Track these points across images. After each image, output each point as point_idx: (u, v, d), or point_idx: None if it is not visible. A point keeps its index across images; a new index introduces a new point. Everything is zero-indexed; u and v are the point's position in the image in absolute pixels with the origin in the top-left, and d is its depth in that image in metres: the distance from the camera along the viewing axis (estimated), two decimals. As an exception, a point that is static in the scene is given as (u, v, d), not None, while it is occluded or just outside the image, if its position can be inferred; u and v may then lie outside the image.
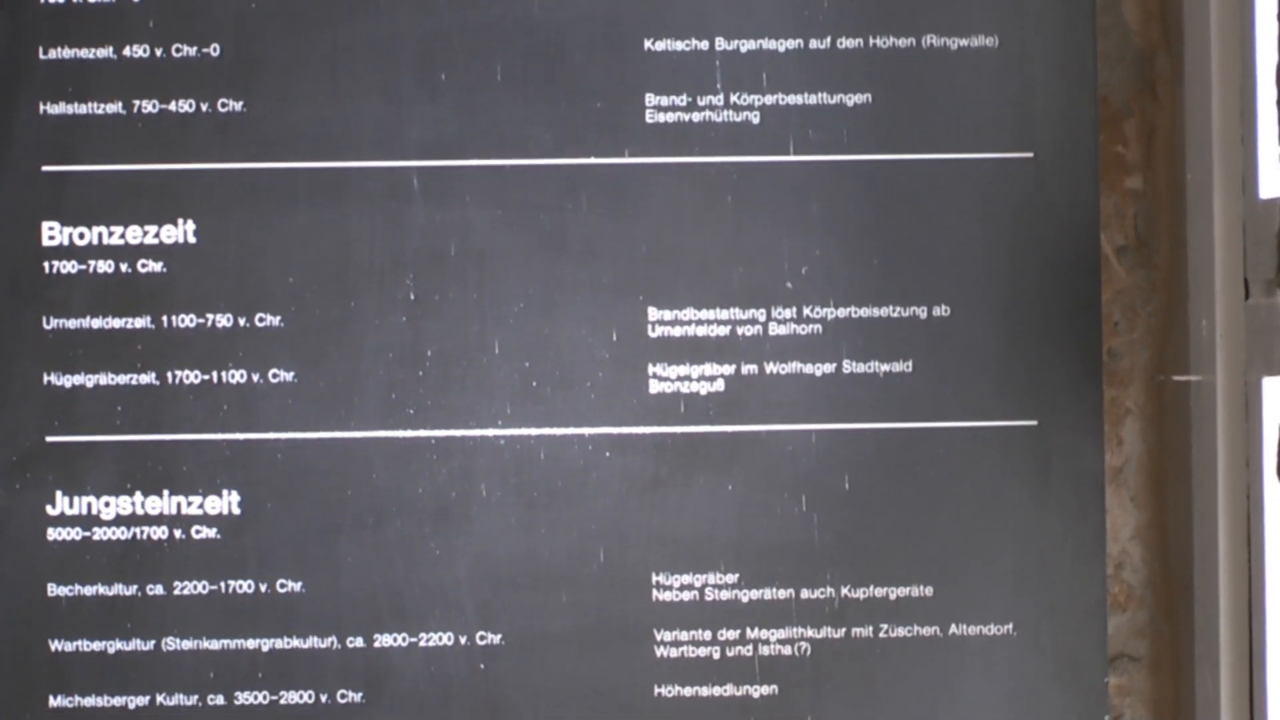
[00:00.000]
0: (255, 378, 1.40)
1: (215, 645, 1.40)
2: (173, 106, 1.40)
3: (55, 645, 1.40)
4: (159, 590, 1.40)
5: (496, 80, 1.40)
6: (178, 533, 1.40)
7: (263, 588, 1.40)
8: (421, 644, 1.40)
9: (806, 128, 1.40)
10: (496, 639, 1.41)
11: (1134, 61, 1.44)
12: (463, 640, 1.40)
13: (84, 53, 1.40)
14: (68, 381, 1.40)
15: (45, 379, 1.40)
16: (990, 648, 1.41)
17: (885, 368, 1.41)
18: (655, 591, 1.41)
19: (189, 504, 1.40)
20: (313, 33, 1.40)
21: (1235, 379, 1.38)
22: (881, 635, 1.41)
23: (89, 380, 1.40)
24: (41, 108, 1.39)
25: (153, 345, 1.40)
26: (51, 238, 1.40)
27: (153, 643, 1.40)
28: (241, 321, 1.40)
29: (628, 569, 1.41)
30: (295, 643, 1.40)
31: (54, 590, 1.40)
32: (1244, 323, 1.37)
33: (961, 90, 1.41)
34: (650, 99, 1.41)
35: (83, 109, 1.40)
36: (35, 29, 1.39)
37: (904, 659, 1.41)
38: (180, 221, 1.40)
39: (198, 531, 1.40)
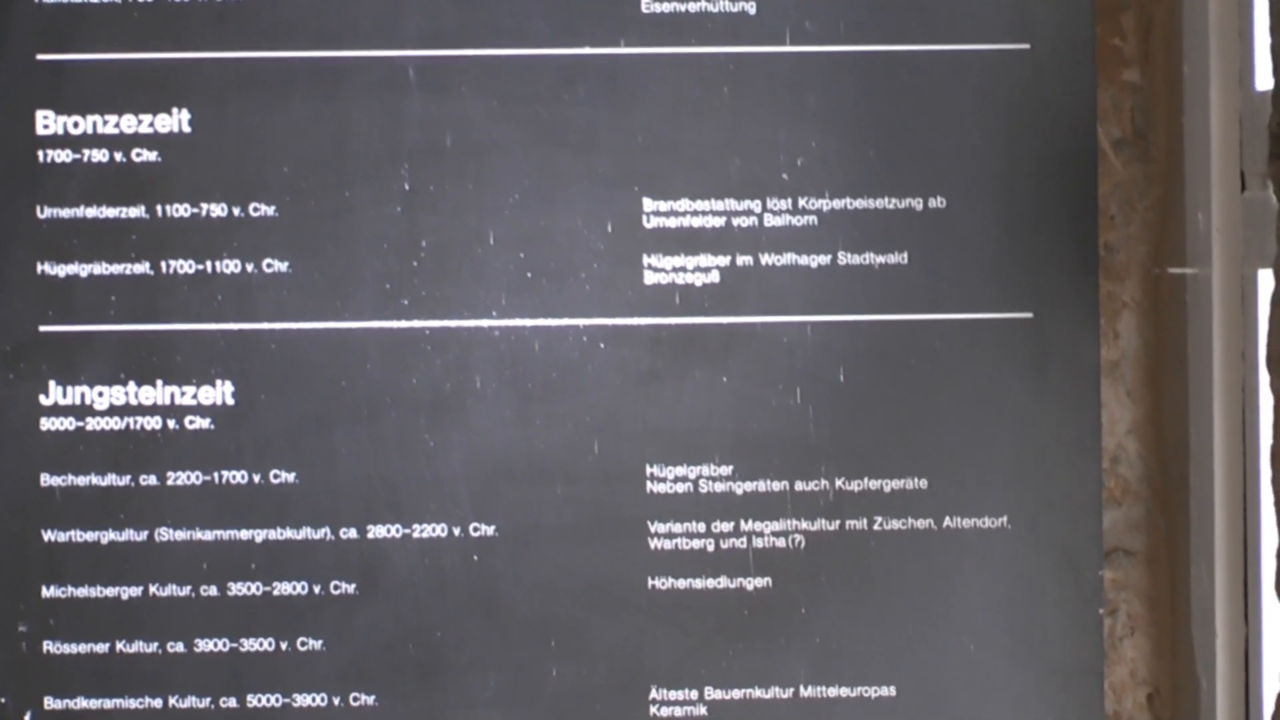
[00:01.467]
0: (250, 268, 1.40)
1: (209, 536, 1.40)
2: (168, -5, 1.39)
3: (48, 536, 1.40)
4: (152, 481, 1.40)
5: (493, -30, 1.40)
6: (171, 423, 1.40)
7: (256, 478, 1.40)
8: (415, 536, 1.40)
9: (803, 19, 1.40)
10: (490, 531, 1.40)
11: (1132, -43, 1.44)
12: (457, 532, 1.40)
13: (79, -60, 1.39)
14: (62, 271, 1.39)
15: (39, 268, 1.39)
16: (985, 541, 1.41)
17: (881, 259, 1.40)
18: (650, 484, 1.40)
19: (183, 394, 1.40)
20: (308, -78, 1.40)
21: (1231, 272, 1.37)
22: (876, 528, 1.41)
23: (83, 270, 1.39)
24: (36, -5, 1.39)
25: (147, 235, 1.40)
26: (46, 127, 1.39)
27: (146, 533, 1.40)
28: (236, 212, 1.40)
29: (622, 461, 1.40)
30: (289, 534, 1.40)
31: (47, 480, 1.40)
32: (1240, 216, 1.37)
33: (958, -18, 1.41)
34: (647, -11, 1.41)
35: (78, -3, 1.39)
36: (30, -84, 1.39)
37: (898, 552, 1.41)
38: (175, 111, 1.40)
39: (191, 422, 1.40)
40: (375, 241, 1.40)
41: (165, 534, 1.40)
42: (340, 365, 1.40)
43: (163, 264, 1.40)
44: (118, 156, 1.39)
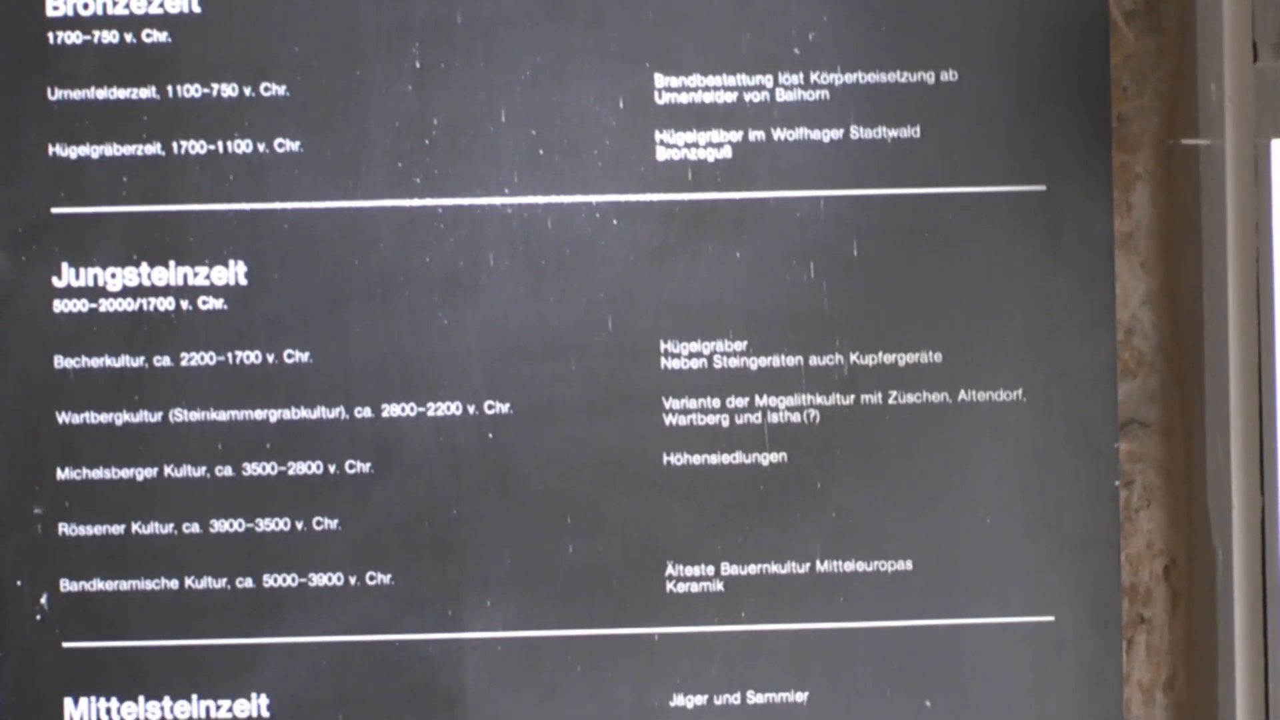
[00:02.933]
0: (261, 147, 1.40)
1: (223, 416, 1.40)
2: (176, -127, 1.39)
3: (62, 418, 1.40)
4: (166, 362, 1.40)
5: None
6: (184, 304, 1.40)
7: (270, 358, 1.40)
8: (430, 414, 1.40)
9: (813, -108, 1.40)
10: (505, 408, 1.40)
11: None
12: (471, 410, 1.40)
13: None
14: (73, 153, 1.39)
15: (50, 150, 1.39)
16: (1000, 413, 1.41)
17: (893, 133, 1.40)
18: (664, 360, 1.40)
19: (195, 275, 1.40)
20: None
21: (1244, 142, 1.37)
22: (891, 402, 1.41)
23: (94, 151, 1.39)
24: (44, -125, 1.39)
25: (158, 116, 1.39)
26: (55, 8, 1.39)
27: (160, 414, 1.40)
28: (247, 91, 1.39)
29: (636, 337, 1.40)
30: (303, 413, 1.40)
31: (60, 363, 1.40)
32: (1253, 86, 1.36)
33: None
34: None
35: (86, -124, 1.39)
36: None
37: (913, 425, 1.41)
38: (185, -10, 1.40)
39: (204, 302, 1.40)
40: (387, 120, 1.39)
41: (179, 415, 1.40)
42: (353, 244, 1.40)
43: (174, 144, 1.39)
44: (128, 37, 1.39)
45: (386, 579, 1.40)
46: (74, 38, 1.39)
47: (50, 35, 1.39)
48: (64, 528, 1.40)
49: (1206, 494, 1.41)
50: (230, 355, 1.40)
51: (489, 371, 1.40)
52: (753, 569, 1.40)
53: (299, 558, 1.40)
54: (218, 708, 1.40)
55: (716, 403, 1.40)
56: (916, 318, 1.40)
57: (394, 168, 1.40)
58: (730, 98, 1.40)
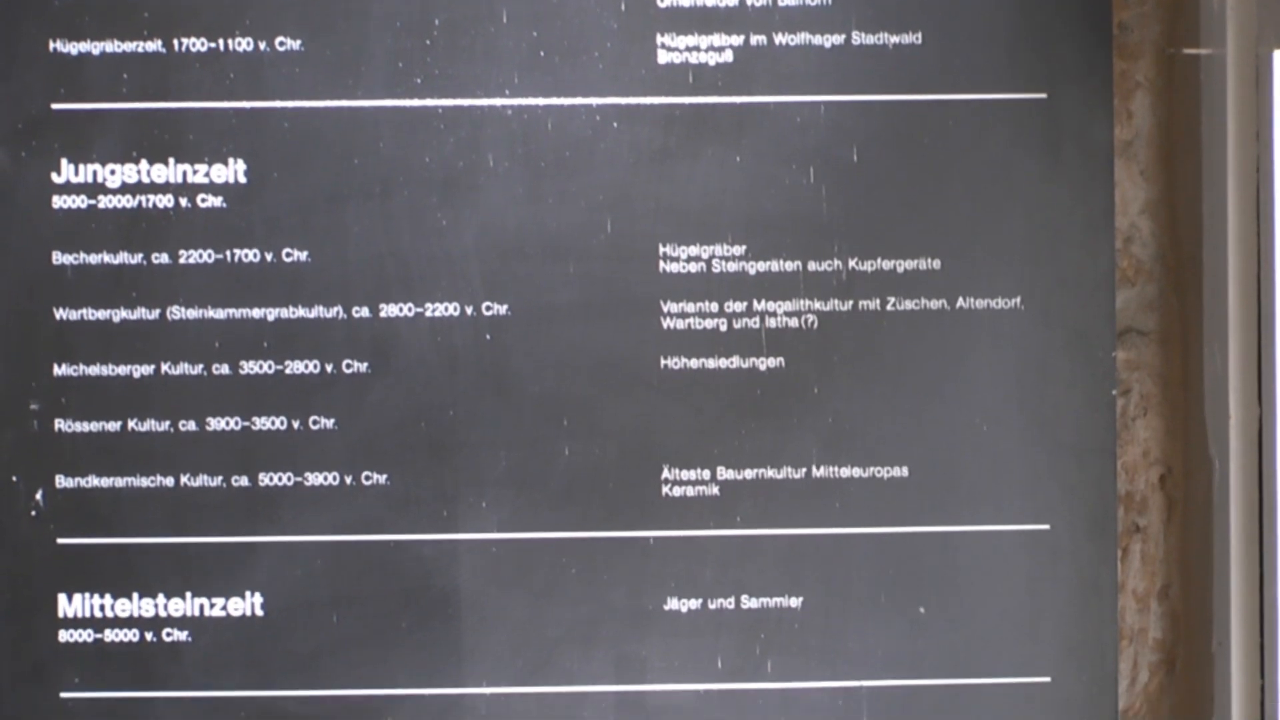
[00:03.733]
0: (262, 46, 1.39)
1: (220, 314, 1.40)
2: None
3: (60, 314, 1.40)
4: (164, 259, 1.40)
5: None
6: (183, 201, 1.40)
7: (268, 257, 1.40)
8: (427, 314, 1.40)
9: None
10: (503, 310, 1.40)
11: None
12: (469, 311, 1.40)
13: None
14: (74, 49, 1.39)
15: (51, 46, 1.39)
16: (998, 321, 1.40)
17: (894, 39, 1.40)
18: (662, 263, 1.40)
19: (195, 172, 1.40)
20: None
21: (1246, 51, 1.37)
22: (889, 308, 1.40)
23: (95, 48, 1.39)
24: None
25: (159, 12, 1.39)
26: (57, -96, 1.39)
27: (158, 312, 1.40)
28: (248, -11, 1.40)
29: (635, 240, 1.40)
30: (301, 312, 1.40)
31: (59, 259, 1.39)
32: (1255, -4, 1.36)
33: None
34: None
35: None
36: None
37: (911, 332, 1.40)
38: (187, -113, 1.39)
39: (204, 200, 1.40)
40: (388, 19, 1.39)
41: (177, 312, 1.40)
42: (352, 143, 1.39)
43: (175, 42, 1.39)
44: (129, -66, 1.39)
45: (382, 479, 1.40)
46: (76, -66, 1.39)
47: (52, -69, 1.39)
48: (60, 424, 1.40)
49: (1204, 403, 1.41)
50: (229, 253, 1.40)
51: (487, 273, 1.40)
52: (749, 474, 1.40)
53: (295, 457, 1.40)
54: (212, 605, 1.40)
55: (714, 307, 1.40)
56: (915, 224, 1.40)
57: (394, 68, 1.39)
58: (732, 1, 1.40)
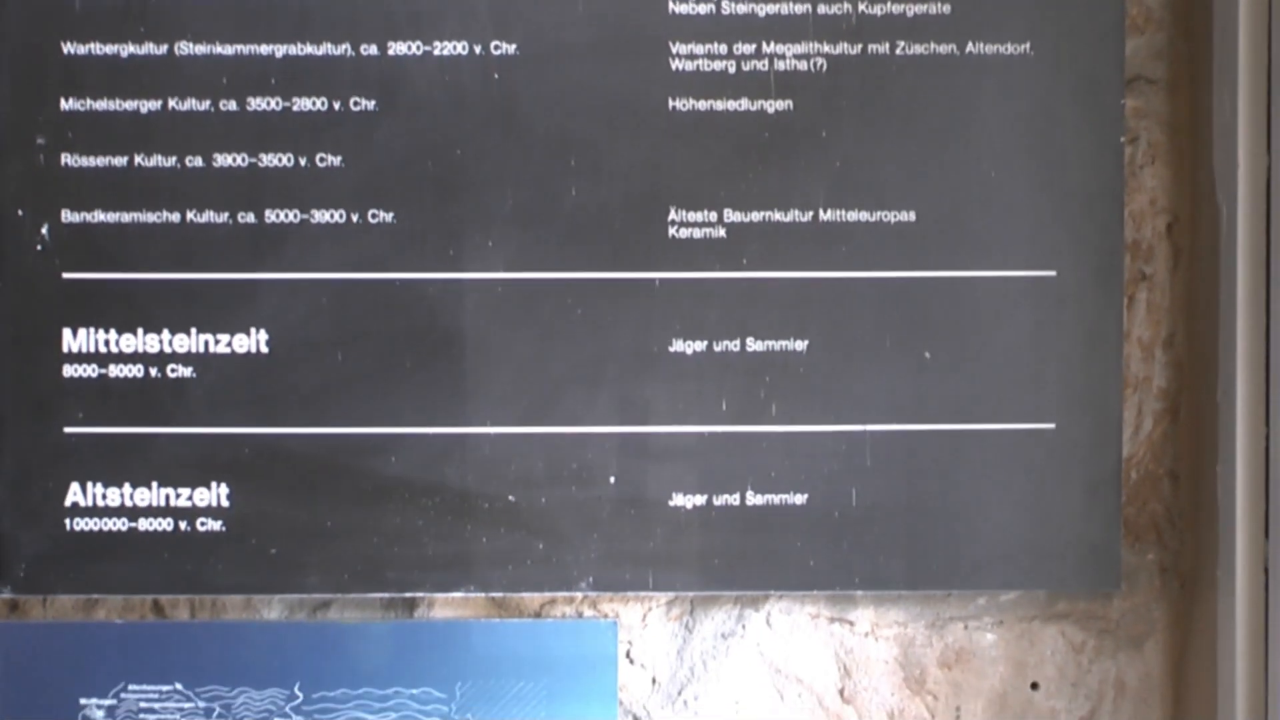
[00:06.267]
0: None
1: (228, 50, 1.39)
2: None
3: (68, 48, 1.39)
4: (172, -6, 1.40)
5: None
6: (192, -65, 1.39)
7: (277, -8, 1.39)
8: (436, 52, 1.39)
9: None
10: (511, 49, 1.40)
11: None
12: (477, 49, 1.39)
13: None
14: None
15: None
16: (1007, 66, 1.40)
17: None
18: (671, 4, 1.40)
19: (204, -94, 1.39)
20: None
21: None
22: (899, 52, 1.40)
23: None
24: None
25: None
26: None
27: (165, 47, 1.39)
28: None
29: (645, -20, 1.40)
30: (309, 49, 1.39)
31: (67, -6, 1.39)
32: None
33: None
34: None
35: None
36: None
37: (920, 76, 1.40)
38: None
39: (213, -65, 1.39)
40: None
41: (185, 48, 1.39)
42: (362, -121, 1.39)
43: None
44: None
45: (388, 217, 1.40)
46: None
47: None
48: (66, 158, 1.39)
49: (1212, 151, 1.40)
50: (237, -12, 1.39)
51: (496, 11, 1.39)
52: (755, 216, 1.40)
53: (301, 193, 1.40)
54: (216, 342, 1.40)
55: (724, 48, 1.40)
56: (926, -32, 1.40)
57: None
58: None
